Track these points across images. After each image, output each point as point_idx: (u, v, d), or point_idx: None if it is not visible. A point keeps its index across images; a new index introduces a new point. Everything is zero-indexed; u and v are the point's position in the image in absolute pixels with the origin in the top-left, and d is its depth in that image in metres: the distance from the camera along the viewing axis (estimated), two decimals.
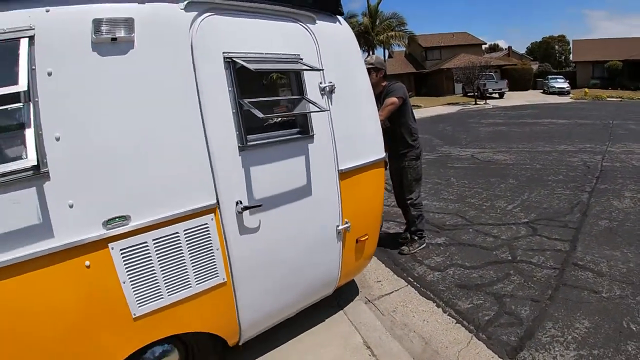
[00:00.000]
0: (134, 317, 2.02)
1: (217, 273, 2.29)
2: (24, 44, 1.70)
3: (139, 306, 2.03)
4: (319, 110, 2.55)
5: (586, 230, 5.06)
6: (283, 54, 2.51)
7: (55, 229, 1.78)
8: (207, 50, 2.19)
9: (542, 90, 36.88)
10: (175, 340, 2.36)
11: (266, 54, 2.41)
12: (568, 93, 33.02)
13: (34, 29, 1.72)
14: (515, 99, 30.66)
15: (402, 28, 35.00)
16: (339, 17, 2.97)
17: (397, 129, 4.27)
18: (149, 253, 2.02)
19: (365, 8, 35.13)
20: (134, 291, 1.99)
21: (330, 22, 2.87)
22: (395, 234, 5.28)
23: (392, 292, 3.88)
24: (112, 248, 1.92)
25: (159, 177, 2.04)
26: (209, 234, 2.22)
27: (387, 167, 4.07)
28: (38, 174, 1.72)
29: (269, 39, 2.48)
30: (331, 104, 2.78)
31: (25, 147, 1.70)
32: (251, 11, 2.42)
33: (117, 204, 1.93)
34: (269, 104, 2.63)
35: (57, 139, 1.77)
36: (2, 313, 1.69)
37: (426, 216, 5.11)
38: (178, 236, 2.11)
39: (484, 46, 52.49)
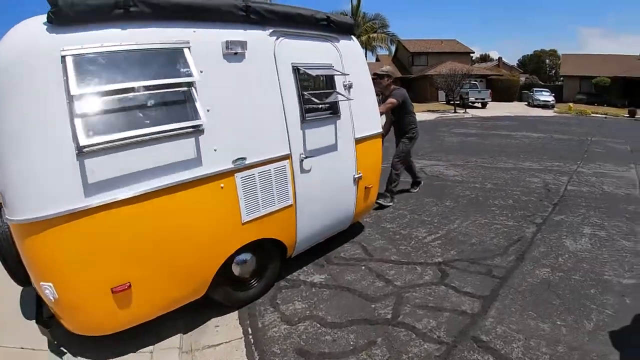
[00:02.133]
0: (242, 222, 3.37)
1: (288, 198, 3.71)
2: (187, 51, 2.95)
3: (247, 215, 3.39)
4: (345, 99, 4.15)
5: (514, 284, 3.78)
6: (323, 63, 4.02)
7: (205, 163, 3.04)
8: (283, 60, 3.65)
9: (527, 103, 36.81)
10: (254, 249, 3.63)
11: (314, 63, 3.89)
12: (552, 107, 33.13)
13: (189, 42, 2.97)
14: (498, 109, 30.72)
15: (385, 30, 33.57)
16: (352, 36, 4.53)
17: (398, 119, 6.44)
18: (254, 181, 3.41)
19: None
20: (245, 205, 3.36)
21: (348, 40, 4.43)
22: None
23: (222, 343, 3.24)
24: (236, 176, 3.27)
25: (261, 135, 3.47)
26: (285, 171, 3.65)
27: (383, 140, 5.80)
28: (198, 130, 2.97)
29: (314, 53, 3.97)
30: (350, 95, 4.25)
31: (191, 113, 2.92)
32: (305, 36, 3.93)
33: (240, 150, 3.29)
34: (316, 95, 3.93)
35: (208, 110, 3.01)
36: (178, 210, 2.93)
37: (329, 245, 4.83)
38: (270, 172, 3.53)
39: (475, 56, 51.56)
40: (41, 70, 2.42)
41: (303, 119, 3.74)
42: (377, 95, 5.19)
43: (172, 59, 2.89)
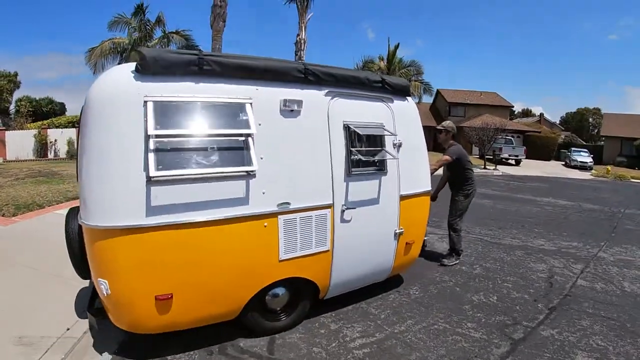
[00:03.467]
0: (279, 259, 3.66)
1: (326, 243, 3.95)
2: (249, 107, 3.45)
3: (284, 253, 3.67)
4: (392, 157, 4.36)
5: None
6: (373, 122, 4.30)
7: (253, 203, 3.43)
8: (335, 118, 3.99)
9: (564, 163, 35.05)
10: (288, 285, 3.94)
11: (365, 122, 4.19)
12: (590, 168, 31.83)
13: (251, 99, 3.48)
14: (532, 168, 29.40)
15: (419, 78, 32.52)
16: (408, 97, 4.83)
17: (454, 176, 6.39)
18: (295, 225, 3.70)
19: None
20: (284, 244, 3.65)
21: (402, 101, 4.72)
22: None
23: None
24: (279, 218, 3.59)
25: (307, 184, 3.78)
26: (326, 219, 3.90)
27: (435, 199, 6.37)
28: (250, 174, 3.39)
29: (366, 112, 4.28)
30: (398, 154, 4.48)
31: (247, 159, 3.34)
32: (358, 96, 4.26)
33: (285, 195, 3.61)
34: (364, 151, 4.16)
35: (261, 158, 3.44)
36: (224, 240, 3.33)
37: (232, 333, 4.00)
38: (311, 218, 3.80)
39: (517, 110, 49.91)
40: (126, 111, 3.03)
41: (349, 173, 4.04)
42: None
43: (236, 112, 3.42)
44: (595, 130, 67.72)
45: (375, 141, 4.32)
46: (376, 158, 4.26)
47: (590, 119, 73.86)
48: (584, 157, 32.96)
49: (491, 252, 7.14)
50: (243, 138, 3.35)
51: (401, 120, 4.53)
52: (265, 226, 3.50)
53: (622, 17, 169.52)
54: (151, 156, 2.95)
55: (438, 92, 46.50)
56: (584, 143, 46.43)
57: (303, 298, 4.11)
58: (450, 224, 6.33)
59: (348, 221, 4.07)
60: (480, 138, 27.10)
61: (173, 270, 3.17)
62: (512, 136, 34.73)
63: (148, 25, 25.00)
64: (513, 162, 31.62)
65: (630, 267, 6.65)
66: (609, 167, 30.46)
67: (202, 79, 3.29)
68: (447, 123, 6.43)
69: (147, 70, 3.08)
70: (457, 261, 6.39)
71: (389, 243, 4.52)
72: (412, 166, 4.67)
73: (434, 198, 6.36)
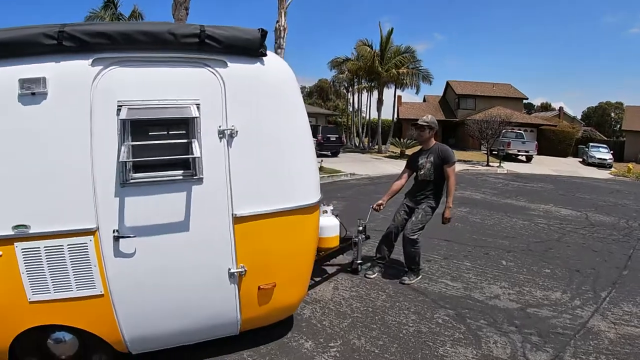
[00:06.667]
0: (29, 301, 2.72)
1: (95, 284, 2.84)
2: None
3: (33, 294, 2.72)
4: (194, 156, 3.13)
5: None
6: (177, 100, 2.96)
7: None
8: (104, 98, 2.80)
9: (581, 160, 32.52)
10: (75, 331, 2.94)
11: (159, 101, 2.92)
12: (609, 166, 29.24)
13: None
14: (543, 165, 26.78)
15: (416, 66, 29.46)
16: (261, 57, 3.21)
17: (437, 178, 5.11)
18: (40, 255, 2.71)
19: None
20: (28, 281, 2.71)
21: (247, 64, 3.16)
22: None
23: None
24: (16, 246, 2.68)
25: (53, 200, 2.71)
26: (86, 251, 2.78)
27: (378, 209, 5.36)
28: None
29: (165, 86, 2.96)
30: (229, 148, 3.14)
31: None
32: (155, 62, 2.94)
33: (22, 216, 2.67)
34: (152, 147, 3.02)
35: None
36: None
37: None
38: (62, 248, 2.72)
39: (536, 105, 46.43)
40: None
41: (124, 182, 2.82)
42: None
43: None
44: (618, 126, 63.96)
45: (178, 131, 2.99)
46: (170, 157, 2.94)
47: (613, 114, 71.36)
48: (603, 154, 30.19)
49: (395, 305, 4.38)
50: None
51: (242, 95, 3.10)
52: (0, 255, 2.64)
53: None
54: None
55: (447, 84, 43.99)
56: (605, 138, 42.37)
57: (96, 350, 3.07)
58: (407, 239, 5.06)
59: (130, 254, 2.89)
60: (481, 131, 23.93)
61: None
62: (524, 130, 32.37)
63: (121, 19, 24.97)
64: (524, 158, 29.28)
65: None
66: (631, 165, 27.53)
67: None
68: (430, 118, 5.31)
69: None
70: (419, 277, 5.29)
71: (222, 287, 3.19)
72: (266, 168, 3.22)
73: (378, 208, 5.30)
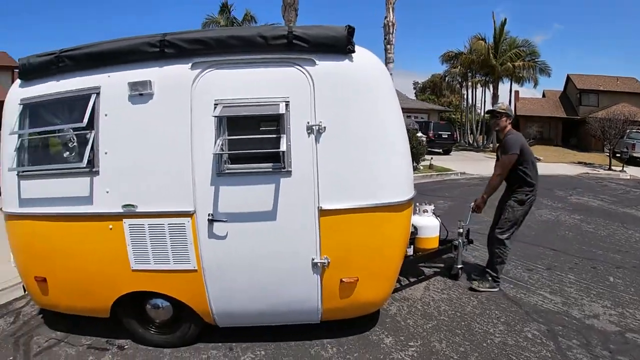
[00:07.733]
0: (132, 269, 3.23)
1: (190, 261, 3.21)
2: (93, 97, 3.15)
3: (135, 264, 3.21)
4: (278, 150, 3.13)
5: None
6: (268, 98, 3.13)
7: (97, 202, 3.12)
8: (202, 98, 3.08)
9: None
10: (172, 300, 3.37)
11: (251, 99, 3.11)
12: None
13: (99, 87, 3.16)
14: None
15: (534, 58, 27.56)
16: (349, 55, 3.18)
17: (511, 173, 4.71)
18: (144, 231, 3.16)
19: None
20: (132, 252, 3.20)
21: (335, 62, 3.16)
22: None
23: None
24: (124, 222, 3.15)
25: (157, 184, 3.13)
26: (184, 231, 3.15)
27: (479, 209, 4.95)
28: (93, 171, 3.13)
29: (257, 85, 3.13)
30: (317, 144, 3.19)
31: (87, 155, 3.12)
32: (246, 63, 3.16)
33: (131, 196, 3.12)
34: (245, 141, 3.21)
35: (105, 153, 3.14)
36: (78, 240, 3.23)
37: None
38: (163, 226, 3.12)
39: None
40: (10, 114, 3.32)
41: (220, 171, 3.08)
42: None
43: (84, 104, 3.10)
44: None
45: (270, 126, 3.17)
46: (261, 151, 3.12)
47: None
48: None
49: (485, 313, 4.21)
50: (87, 132, 3.13)
51: (330, 92, 3.13)
52: (110, 229, 3.16)
53: None
54: (16, 153, 3.23)
55: (568, 77, 40.18)
56: None
57: (187, 319, 3.47)
58: (494, 237, 4.80)
59: (222, 237, 3.16)
60: (604, 130, 21.66)
61: (40, 256, 3.36)
62: None
63: (235, 23, 25.92)
64: None
65: None
66: None
67: (62, 76, 3.23)
68: (506, 104, 5.08)
69: (23, 76, 3.36)
70: (495, 289, 4.78)
71: (304, 276, 3.27)
72: (352, 164, 3.20)
73: (478, 208, 4.95)
